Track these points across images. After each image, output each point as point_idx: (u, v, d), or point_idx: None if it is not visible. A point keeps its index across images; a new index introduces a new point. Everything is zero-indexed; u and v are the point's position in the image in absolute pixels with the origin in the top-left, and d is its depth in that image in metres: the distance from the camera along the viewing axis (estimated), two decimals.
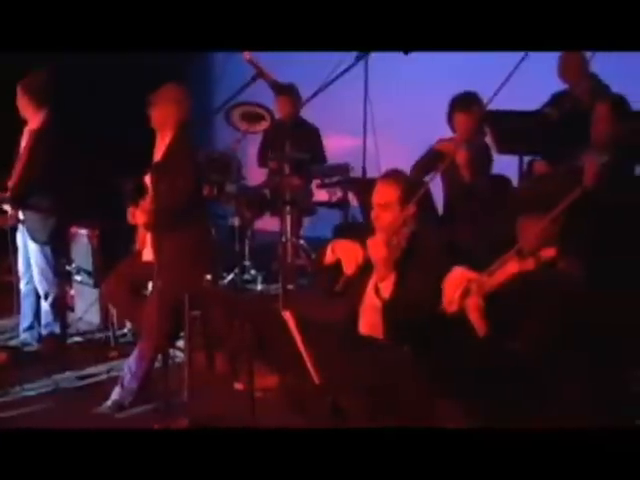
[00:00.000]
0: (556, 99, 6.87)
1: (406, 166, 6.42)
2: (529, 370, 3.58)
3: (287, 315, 3.36)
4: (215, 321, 4.24)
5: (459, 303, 3.70)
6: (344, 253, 4.35)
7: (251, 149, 8.81)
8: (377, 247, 4.16)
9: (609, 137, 5.69)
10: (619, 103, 5.89)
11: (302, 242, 7.95)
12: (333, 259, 4.40)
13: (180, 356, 6.03)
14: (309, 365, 3.34)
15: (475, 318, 3.70)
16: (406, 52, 5.54)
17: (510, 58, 7.72)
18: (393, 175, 4.48)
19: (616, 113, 5.72)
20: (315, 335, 3.35)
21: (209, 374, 6.04)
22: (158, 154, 5.72)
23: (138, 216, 5.58)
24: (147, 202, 5.53)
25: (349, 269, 4.30)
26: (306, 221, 8.52)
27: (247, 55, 5.26)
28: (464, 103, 6.13)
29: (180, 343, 5.97)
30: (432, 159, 6.11)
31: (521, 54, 4.78)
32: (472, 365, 3.78)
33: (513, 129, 6.44)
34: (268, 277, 7.76)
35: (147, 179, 5.75)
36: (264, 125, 7.49)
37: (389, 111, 7.82)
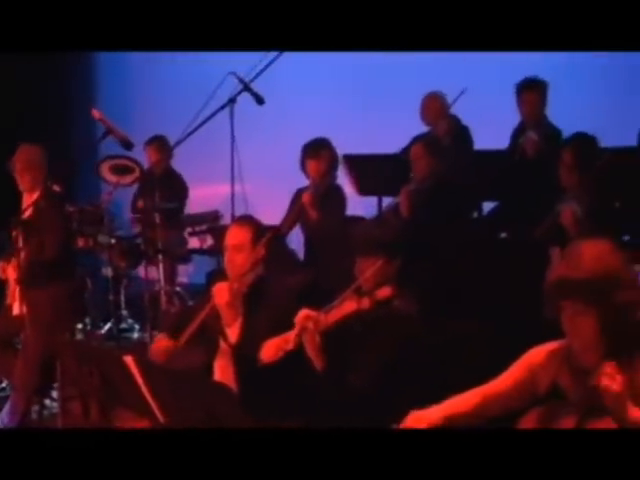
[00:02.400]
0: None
1: (274, 212, 6.64)
2: (367, 401, 3.83)
3: (128, 360, 3.50)
4: (69, 369, 4.36)
5: (296, 341, 3.88)
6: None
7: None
8: (221, 293, 4.22)
9: (425, 172, 6.19)
10: (431, 142, 6.36)
11: (178, 289, 8.07)
12: None
13: (56, 406, 6.11)
14: (153, 406, 3.49)
15: (312, 354, 3.90)
16: (260, 103, 5.74)
17: (369, 103, 8.07)
18: (245, 218, 4.61)
19: (429, 151, 6.18)
20: (156, 378, 3.50)
21: (85, 423, 6.16)
22: (26, 210, 5.82)
23: (9, 272, 5.71)
24: (17, 259, 5.63)
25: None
26: (181, 269, 8.70)
27: (96, 114, 5.42)
28: (313, 149, 6.36)
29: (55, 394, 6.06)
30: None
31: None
32: (317, 398, 4.02)
33: (372, 172, 6.77)
34: (145, 326, 7.86)
35: (15, 233, 5.87)
36: (133, 176, 7.64)
37: (257, 157, 8.01)
